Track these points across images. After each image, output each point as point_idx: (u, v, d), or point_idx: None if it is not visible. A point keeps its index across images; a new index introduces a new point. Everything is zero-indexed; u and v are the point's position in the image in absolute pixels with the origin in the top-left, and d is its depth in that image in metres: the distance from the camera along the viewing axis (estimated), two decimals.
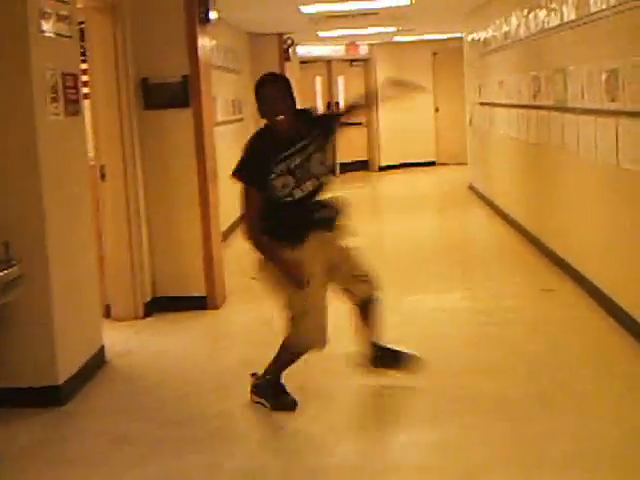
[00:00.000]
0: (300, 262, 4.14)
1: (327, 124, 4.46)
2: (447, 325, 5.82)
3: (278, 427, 4.19)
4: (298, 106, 4.32)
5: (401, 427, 4.15)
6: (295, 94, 4.30)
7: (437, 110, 17.17)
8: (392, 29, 13.33)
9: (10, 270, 4.13)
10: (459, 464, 3.64)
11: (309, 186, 4.20)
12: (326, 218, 4.28)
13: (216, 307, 6.47)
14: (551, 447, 3.71)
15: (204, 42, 6.50)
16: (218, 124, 8.44)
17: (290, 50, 13.50)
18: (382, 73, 16.88)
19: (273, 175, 4.12)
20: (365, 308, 4.50)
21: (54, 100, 4.60)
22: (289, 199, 4.16)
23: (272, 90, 4.23)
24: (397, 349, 4.60)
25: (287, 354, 4.28)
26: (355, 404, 4.54)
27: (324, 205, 4.30)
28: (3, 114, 4.39)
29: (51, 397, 4.53)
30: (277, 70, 12.87)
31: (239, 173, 4.19)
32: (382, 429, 4.09)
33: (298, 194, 4.17)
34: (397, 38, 15.66)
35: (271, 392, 4.30)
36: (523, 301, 6.35)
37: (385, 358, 4.58)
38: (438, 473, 3.59)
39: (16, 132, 4.40)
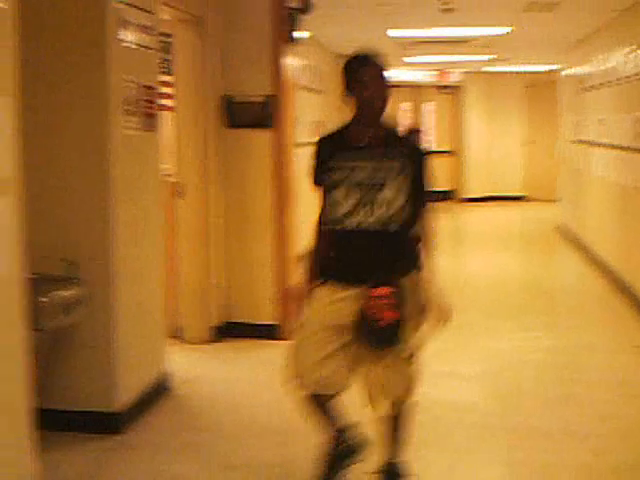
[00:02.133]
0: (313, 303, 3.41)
1: (419, 159, 3.43)
2: (530, 381, 5.37)
3: None
4: None
5: None
6: None
7: (528, 144, 16.65)
8: (486, 57, 12.95)
9: (73, 290, 3.93)
10: None
11: (367, 222, 3.30)
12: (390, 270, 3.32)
13: (286, 338, 6.18)
14: None
15: (289, 62, 6.29)
16: (299, 145, 8.20)
17: None
18: (472, 102, 16.50)
19: (330, 181, 3.32)
20: (388, 417, 3.55)
21: (130, 113, 4.40)
22: (345, 225, 3.31)
23: (376, 71, 3.33)
24: None
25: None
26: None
27: (395, 252, 3.36)
28: (76, 126, 4.21)
29: (109, 424, 4.32)
30: None
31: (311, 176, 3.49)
32: None
33: (355, 223, 3.30)
34: (489, 68, 15.26)
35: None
36: (614, 357, 5.87)
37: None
38: None
39: (88, 145, 4.21)
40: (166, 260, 5.27)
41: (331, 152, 3.36)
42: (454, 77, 16.35)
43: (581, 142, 10.37)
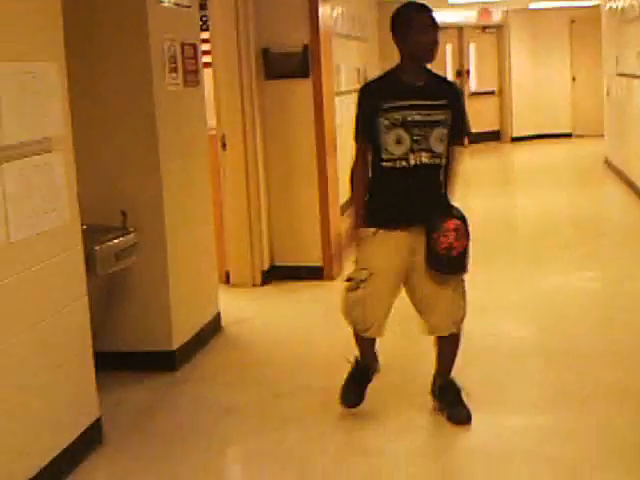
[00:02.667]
0: (368, 251, 3.69)
1: (459, 103, 3.74)
2: (572, 307, 5.60)
3: (386, 408, 4.10)
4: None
5: (516, 410, 4.02)
6: None
7: (574, 80, 16.52)
8: None
9: (126, 237, 4.23)
10: (568, 455, 3.49)
11: (424, 158, 3.58)
12: (435, 217, 3.61)
13: (332, 278, 6.45)
14: None
15: (325, 11, 6.44)
16: (341, 93, 8.37)
17: None
18: (516, 41, 16.38)
19: (385, 122, 3.54)
20: (441, 337, 3.84)
21: (173, 70, 4.65)
22: (403, 164, 3.58)
23: (431, 20, 3.58)
24: (460, 399, 3.84)
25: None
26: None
27: (439, 204, 3.68)
28: (122, 85, 4.46)
29: (165, 362, 4.63)
30: None
31: (354, 128, 3.72)
32: (493, 414, 3.95)
33: (413, 161, 3.58)
34: (532, 5, 15.11)
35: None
36: None
37: (442, 398, 3.89)
38: (545, 462, 3.45)
39: (135, 103, 4.46)
40: (213, 209, 5.55)
41: (384, 96, 3.58)
42: (496, 17, 16.23)
43: (623, 75, 10.35)
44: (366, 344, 3.93)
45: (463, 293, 3.76)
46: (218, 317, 5.37)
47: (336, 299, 6.30)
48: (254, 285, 6.37)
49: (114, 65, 4.43)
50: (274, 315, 5.76)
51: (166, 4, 4.59)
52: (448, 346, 3.84)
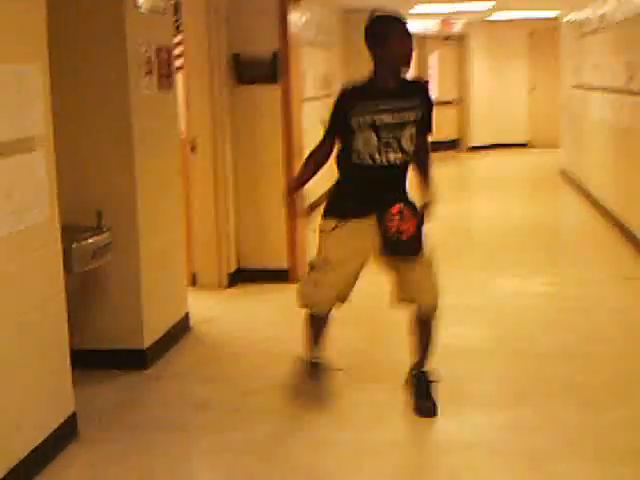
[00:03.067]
0: (332, 240, 3.94)
1: (428, 101, 3.99)
2: (527, 309, 5.82)
3: (352, 402, 4.26)
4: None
5: (475, 407, 4.18)
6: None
7: (534, 89, 16.86)
8: (488, 5, 13.12)
9: (100, 236, 4.32)
10: (527, 447, 3.67)
11: (392, 158, 3.84)
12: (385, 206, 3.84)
13: (297, 281, 6.56)
14: (621, 437, 3.71)
15: (295, 18, 6.57)
16: (307, 100, 8.50)
17: None
18: (476, 51, 16.69)
19: (355, 124, 3.79)
20: (418, 324, 4.05)
21: (148, 74, 4.75)
22: (370, 162, 3.82)
23: (405, 31, 3.84)
24: (429, 392, 4.05)
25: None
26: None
27: (403, 199, 3.91)
28: (99, 87, 4.55)
29: (136, 360, 4.72)
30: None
31: (327, 123, 3.98)
32: (457, 410, 4.11)
33: (378, 160, 3.82)
34: (492, 17, 15.40)
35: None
36: (607, 289, 6.30)
37: (413, 388, 4.10)
38: (505, 454, 3.63)
39: (111, 105, 4.56)
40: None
41: (358, 99, 3.84)
42: (457, 27, 16.52)
43: (579, 87, 10.65)
44: (315, 329, 4.14)
45: (435, 275, 3.98)
46: (187, 317, 5.47)
47: None
48: (220, 287, 6.48)
49: (92, 67, 4.51)
50: (241, 315, 5.88)
51: (142, 10, 4.69)
52: (425, 332, 4.04)
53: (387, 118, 3.81)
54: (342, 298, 4.05)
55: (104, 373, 4.62)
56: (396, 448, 3.79)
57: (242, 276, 6.63)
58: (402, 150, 3.86)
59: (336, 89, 12.10)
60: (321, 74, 10.64)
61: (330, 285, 3.98)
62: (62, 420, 3.73)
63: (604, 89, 8.77)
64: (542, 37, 16.25)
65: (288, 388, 4.25)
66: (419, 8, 12.74)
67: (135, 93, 4.60)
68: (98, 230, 4.35)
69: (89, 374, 4.50)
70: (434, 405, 4.01)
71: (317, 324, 4.15)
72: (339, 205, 3.97)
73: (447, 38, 16.80)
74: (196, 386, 4.54)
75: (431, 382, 4.09)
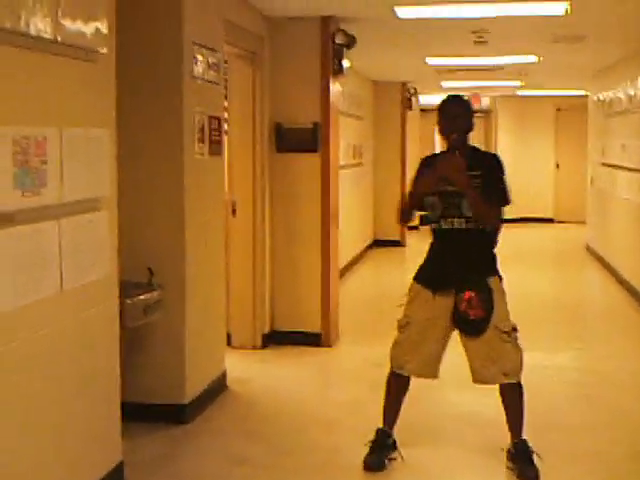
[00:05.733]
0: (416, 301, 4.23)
1: (492, 170, 4.25)
2: (552, 383, 5.90)
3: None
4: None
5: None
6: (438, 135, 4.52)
7: (558, 166, 17.09)
8: (516, 83, 13.46)
9: (152, 294, 4.51)
10: None
11: (455, 223, 4.12)
12: (469, 279, 4.12)
13: (329, 345, 6.73)
14: None
15: (335, 91, 6.85)
16: (340, 167, 8.75)
17: (412, 99, 13.78)
18: (503, 126, 16.98)
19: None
20: (501, 392, 4.30)
21: (200, 140, 5.00)
22: (436, 226, 4.18)
23: (456, 107, 4.27)
24: (530, 459, 4.18)
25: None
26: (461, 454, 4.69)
27: (476, 266, 4.18)
28: (155, 150, 4.81)
29: (177, 415, 4.87)
30: (398, 119, 13.20)
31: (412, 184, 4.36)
32: None
33: (444, 225, 4.15)
34: (520, 92, 15.75)
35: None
36: (629, 363, 6.40)
37: (514, 461, 4.23)
38: None
39: (166, 168, 4.81)
40: None
41: (427, 167, 4.25)
42: (485, 102, 16.86)
43: (607, 165, 10.85)
44: (394, 397, 4.31)
45: (511, 345, 4.20)
46: (224, 375, 5.62)
47: (335, 365, 6.62)
48: (254, 347, 6.63)
49: (151, 132, 4.78)
50: (275, 377, 6.01)
51: (198, 80, 4.96)
52: (508, 398, 4.27)
53: (450, 186, 4.10)
54: (430, 372, 4.27)
55: (145, 426, 4.76)
56: None
57: (275, 337, 6.79)
58: (464, 216, 4.11)
59: (367, 158, 12.53)
60: (353, 143, 10.93)
61: (414, 344, 4.20)
62: (111, 467, 3.87)
63: (630, 169, 8.96)
64: (569, 113, 16.51)
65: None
66: (448, 83, 13.11)
67: (189, 157, 4.85)
68: (149, 287, 4.54)
69: (131, 426, 4.63)
70: (536, 472, 4.13)
71: (396, 386, 4.31)
72: (423, 271, 4.28)
73: (475, 112, 17.09)
74: (234, 442, 4.67)
75: (531, 452, 4.20)
